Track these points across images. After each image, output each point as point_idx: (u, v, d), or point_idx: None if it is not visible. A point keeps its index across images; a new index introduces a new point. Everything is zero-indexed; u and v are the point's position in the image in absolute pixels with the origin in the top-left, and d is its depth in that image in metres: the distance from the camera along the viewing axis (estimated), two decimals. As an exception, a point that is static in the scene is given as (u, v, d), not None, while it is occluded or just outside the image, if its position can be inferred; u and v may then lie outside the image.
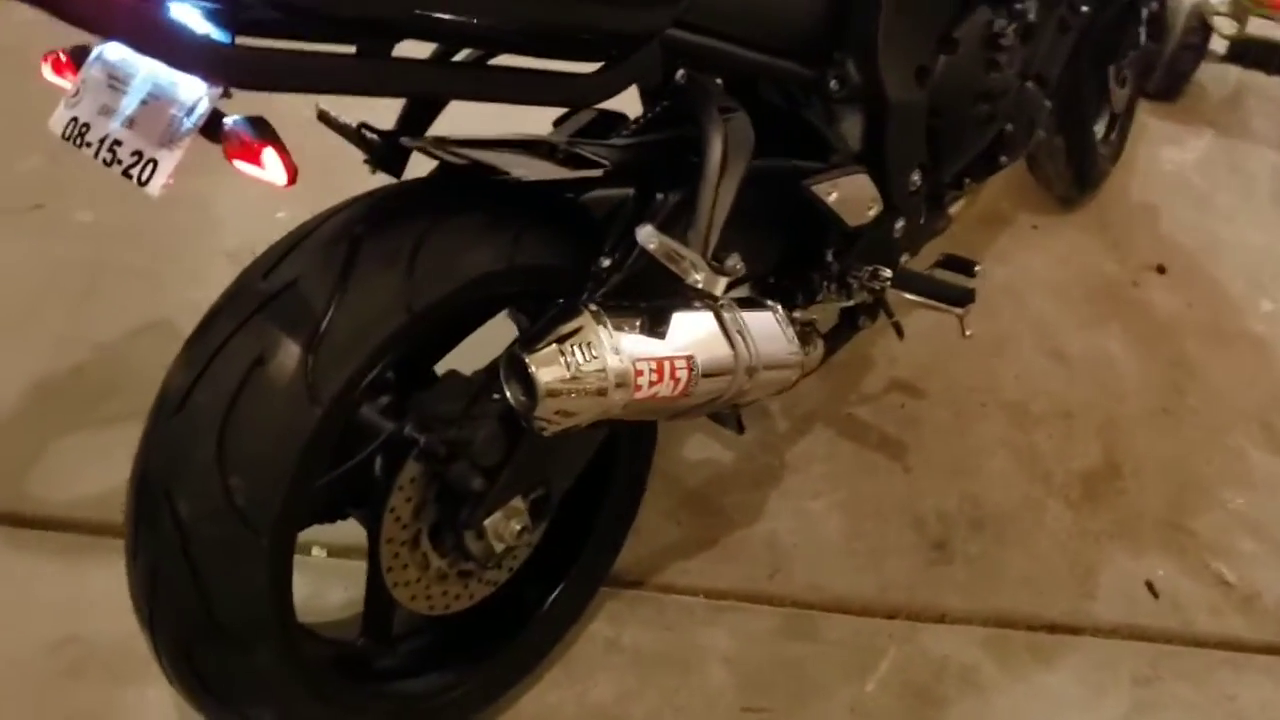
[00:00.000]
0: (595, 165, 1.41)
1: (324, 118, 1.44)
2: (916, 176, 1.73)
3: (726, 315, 1.39)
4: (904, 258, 1.80)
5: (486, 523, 1.40)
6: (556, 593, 1.64)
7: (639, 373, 1.24)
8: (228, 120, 1.03)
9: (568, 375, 1.20)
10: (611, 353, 1.22)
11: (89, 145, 1.09)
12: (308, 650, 1.39)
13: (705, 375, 1.34)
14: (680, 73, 1.38)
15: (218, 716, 1.32)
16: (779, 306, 1.50)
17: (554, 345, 1.21)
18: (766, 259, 1.63)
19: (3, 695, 1.58)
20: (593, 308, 1.24)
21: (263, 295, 1.23)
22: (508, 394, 1.23)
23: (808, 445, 2.10)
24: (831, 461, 2.08)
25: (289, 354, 1.20)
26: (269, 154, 1.01)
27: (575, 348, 1.21)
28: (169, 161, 1.02)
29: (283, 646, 1.28)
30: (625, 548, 1.80)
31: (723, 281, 1.32)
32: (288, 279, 1.24)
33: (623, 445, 1.61)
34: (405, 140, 1.41)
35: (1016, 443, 2.18)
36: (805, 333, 1.62)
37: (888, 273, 1.70)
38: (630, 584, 1.84)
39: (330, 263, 1.24)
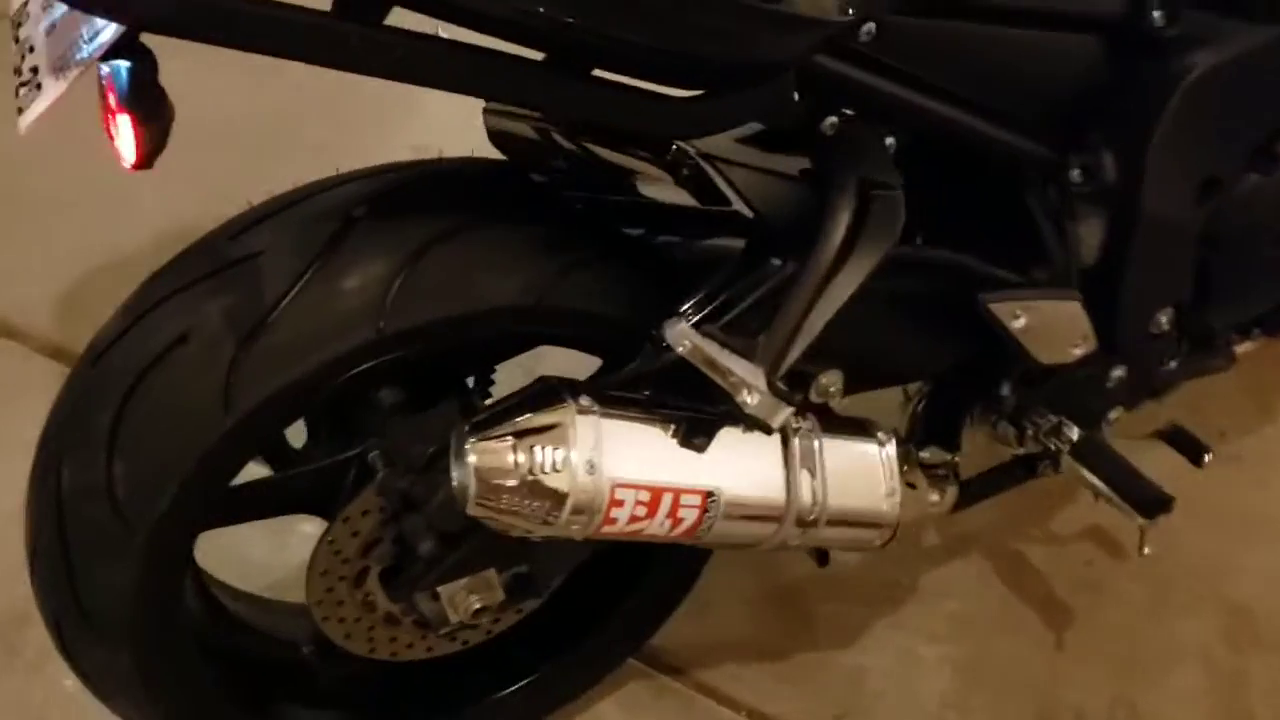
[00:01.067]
0: (723, 200, 1.09)
1: None
2: (1165, 318, 1.29)
3: (797, 443, 1.05)
4: (1114, 412, 1.37)
5: (441, 589, 1.14)
6: (546, 669, 1.38)
7: (615, 502, 0.94)
8: (103, 66, 0.77)
9: (512, 482, 0.92)
10: (583, 468, 0.92)
11: (16, 40, 0.88)
12: (222, 649, 1.21)
13: (730, 518, 1.01)
14: (830, 120, 1.02)
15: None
16: (891, 441, 1.14)
17: (510, 438, 0.92)
18: (892, 376, 1.26)
19: None
20: (583, 402, 0.94)
21: (218, 260, 1.01)
22: (451, 471, 0.96)
23: (948, 573, 1.71)
24: (969, 602, 1.69)
25: (216, 343, 0.98)
26: (123, 122, 0.76)
27: (538, 448, 0.92)
28: (50, 93, 0.79)
29: (157, 650, 1.09)
30: (680, 623, 1.52)
31: (784, 412, 0.98)
32: (252, 249, 1.01)
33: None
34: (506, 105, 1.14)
35: (1221, 660, 1.70)
36: (934, 477, 1.24)
37: (1075, 433, 1.28)
38: (667, 668, 1.55)
39: (307, 244, 1.00)
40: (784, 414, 0.98)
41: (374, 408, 1.17)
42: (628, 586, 1.37)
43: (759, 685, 1.56)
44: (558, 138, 1.13)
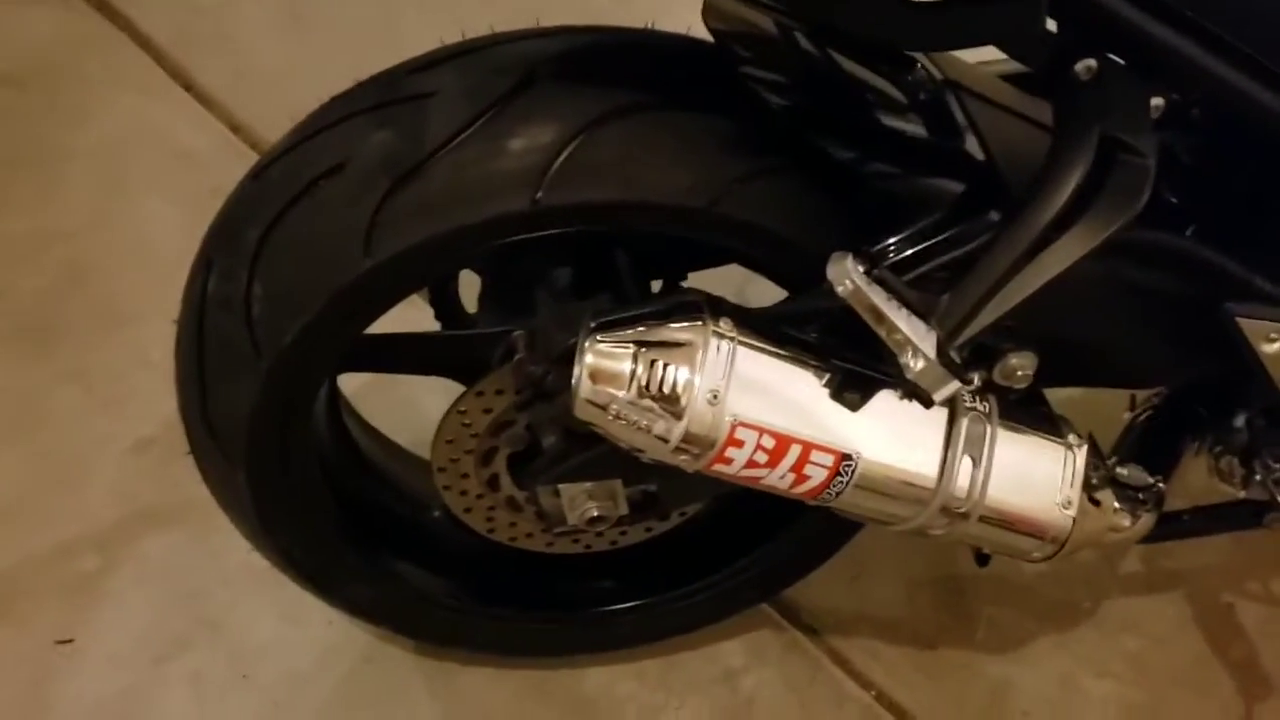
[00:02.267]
0: (956, 133, 0.96)
1: None
2: None
3: (965, 425, 0.92)
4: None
5: (563, 488, 1.08)
6: (669, 594, 1.30)
7: (734, 441, 0.84)
8: None
9: (623, 393, 0.83)
10: (704, 396, 0.83)
11: None
12: (352, 490, 1.20)
13: (864, 488, 0.90)
14: (1086, 63, 0.86)
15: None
16: (1082, 447, 0.99)
17: (633, 345, 0.84)
18: (1100, 376, 1.09)
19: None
20: (723, 325, 0.84)
21: (390, 93, 0.96)
22: (574, 366, 0.89)
23: (1140, 608, 1.53)
24: (1156, 645, 1.50)
25: (369, 179, 0.93)
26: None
27: (659, 363, 0.83)
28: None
29: (273, 476, 1.08)
30: (830, 584, 1.43)
31: (949, 386, 0.85)
32: (426, 88, 0.95)
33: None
34: None
35: None
36: (1128, 499, 1.08)
37: (1314, 489, 1.08)
38: (804, 626, 1.46)
39: (481, 93, 0.93)
40: (949, 388, 0.85)
41: (542, 285, 1.12)
42: (769, 530, 1.28)
43: (896, 669, 1.44)
44: (800, 38, 1.01)
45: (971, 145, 0.96)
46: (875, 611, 1.49)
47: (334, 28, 2.00)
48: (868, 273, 0.83)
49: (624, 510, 1.10)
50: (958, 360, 0.84)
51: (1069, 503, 0.98)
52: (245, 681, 1.38)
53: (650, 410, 0.83)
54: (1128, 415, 1.23)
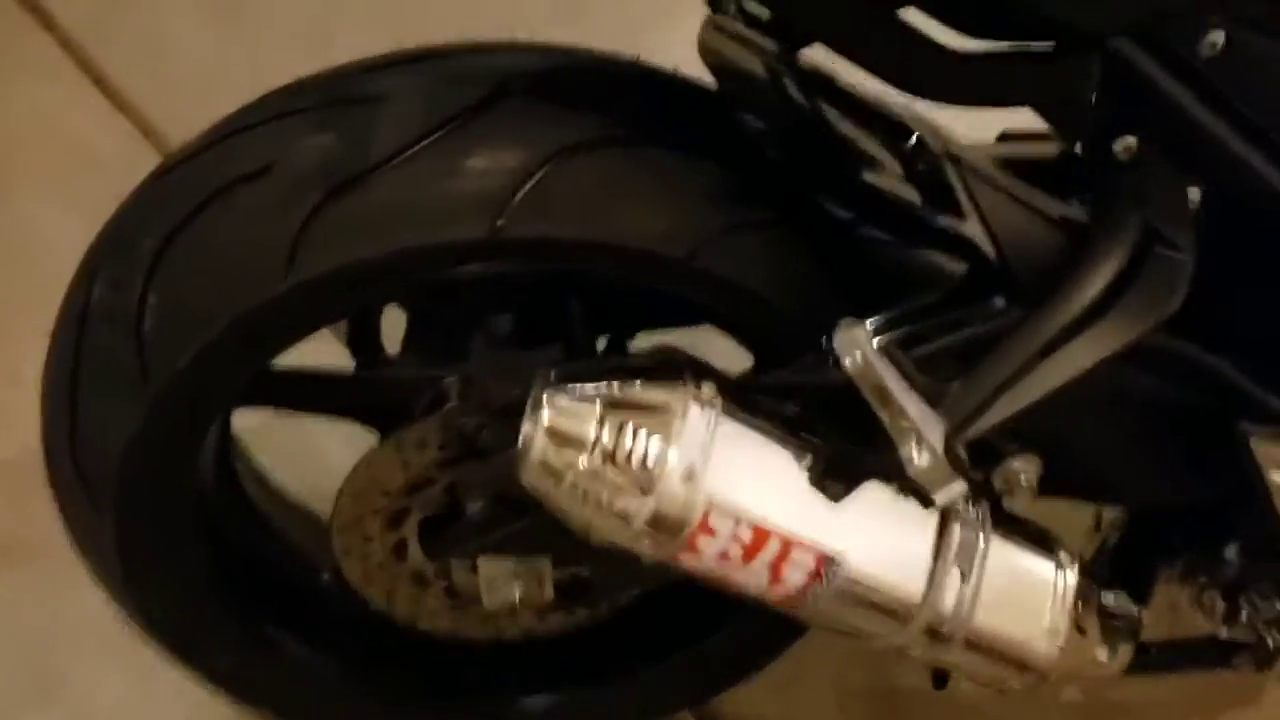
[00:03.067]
0: (956, 210, 0.86)
1: None
2: None
3: (957, 532, 0.81)
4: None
5: (481, 564, 0.95)
6: (580, 692, 1.16)
7: (706, 529, 0.72)
8: None
9: (584, 460, 0.71)
10: (679, 472, 0.70)
11: None
12: (232, 543, 1.04)
13: (844, 597, 0.78)
14: (1127, 141, 0.77)
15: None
16: (1073, 567, 0.89)
17: (599, 403, 0.71)
18: (1093, 488, 0.99)
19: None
20: (704, 390, 0.72)
21: (334, 94, 0.83)
22: (523, 422, 0.76)
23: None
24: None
25: (301, 184, 0.79)
26: None
27: (630, 427, 0.71)
28: None
29: (144, 524, 0.93)
30: (756, 689, 1.29)
31: (955, 487, 0.74)
32: (378, 91, 0.82)
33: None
34: (738, 28, 0.92)
35: None
36: (1111, 629, 0.98)
37: (1307, 634, 1.00)
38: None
39: (442, 102, 0.81)
40: (954, 489, 0.74)
41: (479, 330, 0.99)
42: (701, 630, 1.15)
43: (815, 793, 1.32)
44: (789, 84, 0.91)
45: (970, 226, 0.87)
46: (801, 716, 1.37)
47: (265, 30, 1.86)
48: (878, 345, 0.72)
49: (549, 596, 0.97)
50: (963, 457, 0.74)
51: (1057, 630, 0.87)
52: (82, 751, 1.21)
53: (614, 483, 0.71)
54: (1093, 539, 1.14)
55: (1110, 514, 1.13)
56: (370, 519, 0.98)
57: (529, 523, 0.90)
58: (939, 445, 0.72)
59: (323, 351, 1.08)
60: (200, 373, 0.84)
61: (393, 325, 1.09)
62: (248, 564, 1.08)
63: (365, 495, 0.96)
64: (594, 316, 1.01)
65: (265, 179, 0.80)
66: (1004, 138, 1.09)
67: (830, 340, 0.79)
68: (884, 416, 0.72)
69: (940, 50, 0.72)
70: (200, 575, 1.00)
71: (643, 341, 1.09)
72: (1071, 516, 1.19)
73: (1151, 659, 1.10)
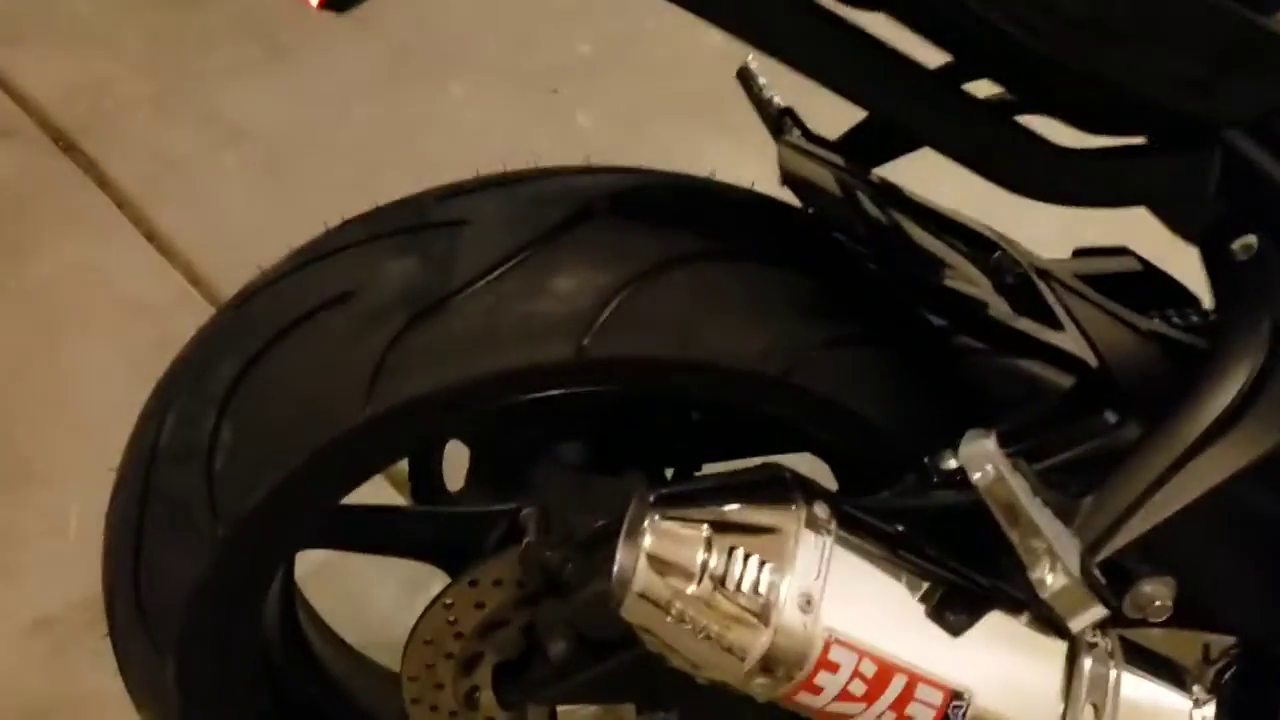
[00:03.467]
0: (1055, 322, 0.83)
1: (744, 75, 0.97)
2: None
3: (1088, 666, 0.75)
4: None
5: (560, 710, 0.88)
6: None
7: (828, 664, 0.66)
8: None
9: (691, 588, 0.65)
10: (795, 600, 0.65)
11: None
12: (293, 696, 0.99)
13: (972, 735, 0.72)
14: (1247, 240, 0.74)
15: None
16: (1210, 705, 0.82)
17: (706, 526, 0.66)
18: (1217, 617, 0.93)
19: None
20: (818, 512, 0.67)
21: (413, 219, 0.81)
22: (617, 552, 0.71)
23: None
24: None
25: (381, 311, 0.76)
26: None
27: (740, 553, 0.66)
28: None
29: (208, 674, 0.87)
30: None
31: (1093, 612, 0.69)
32: (457, 215, 0.80)
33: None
34: (809, 145, 0.91)
35: None
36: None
37: None
38: None
39: (524, 224, 0.78)
40: (1090, 614, 0.68)
41: (546, 461, 0.95)
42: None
43: None
44: (863, 199, 0.89)
45: (1068, 339, 0.83)
46: None
47: (312, 186, 1.87)
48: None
49: (631, 743, 0.90)
50: (1100, 579, 0.68)
51: (1193, 779, 0.80)
52: None
53: (726, 613, 0.65)
54: (1203, 674, 1.06)
55: (1221, 644, 1.06)
56: (442, 664, 0.92)
57: (614, 665, 0.84)
58: (1075, 566, 0.66)
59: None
60: (272, 512, 0.79)
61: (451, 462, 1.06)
62: (310, 714, 1.02)
63: (439, 638, 0.90)
64: (660, 448, 0.98)
65: (345, 306, 0.77)
66: (1079, 253, 1.07)
67: (939, 462, 0.75)
68: (1013, 536, 0.67)
69: (1052, 148, 0.69)
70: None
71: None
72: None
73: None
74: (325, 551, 1.27)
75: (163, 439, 0.81)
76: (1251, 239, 0.74)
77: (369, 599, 1.33)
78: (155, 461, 0.81)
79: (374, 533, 0.94)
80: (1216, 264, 0.74)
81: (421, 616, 0.90)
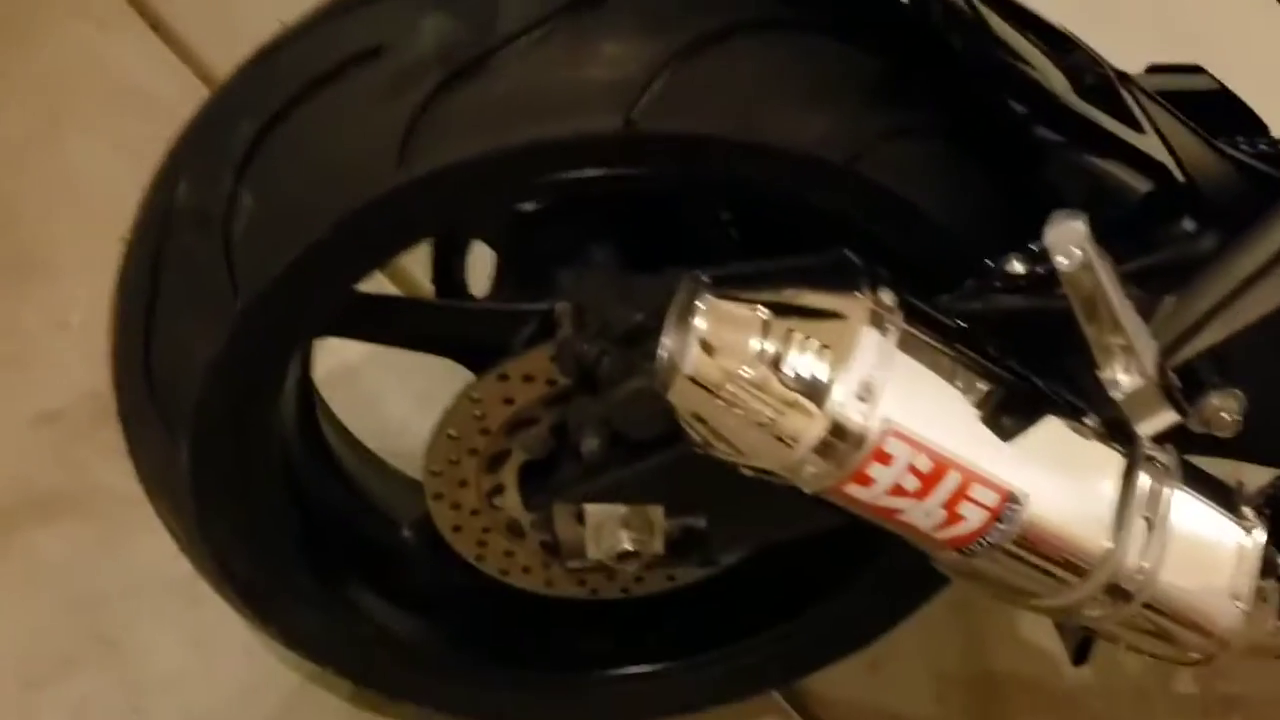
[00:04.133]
0: (1136, 125, 0.77)
1: None
2: None
3: (1145, 480, 0.72)
4: None
5: (589, 510, 0.86)
6: (673, 665, 1.07)
7: (881, 455, 0.63)
8: None
9: (746, 370, 0.61)
10: (854, 388, 0.61)
11: None
12: (309, 496, 0.96)
13: (1022, 543, 0.69)
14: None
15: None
16: (1260, 529, 0.79)
17: (764, 309, 0.62)
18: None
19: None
20: (884, 298, 0.63)
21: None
22: (664, 335, 0.66)
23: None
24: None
25: (416, 68, 0.71)
26: None
27: (799, 337, 0.62)
28: None
29: (224, 461, 0.84)
30: (846, 672, 1.20)
31: (1164, 417, 0.65)
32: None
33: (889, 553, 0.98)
34: None
35: None
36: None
37: None
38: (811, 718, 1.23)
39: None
40: (1162, 419, 0.65)
41: (576, 263, 0.90)
42: (796, 605, 1.05)
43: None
44: None
45: (1149, 143, 0.78)
46: (896, 708, 1.27)
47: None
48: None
49: (659, 548, 0.88)
50: (1177, 383, 0.64)
51: (1239, 594, 0.78)
52: (136, 717, 1.12)
53: (781, 397, 0.61)
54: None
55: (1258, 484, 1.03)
56: (467, 461, 0.89)
57: (649, 466, 0.81)
58: (1151, 366, 0.62)
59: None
60: (294, 286, 0.75)
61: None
62: (328, 517, 0.99)
63: (465, 433, 0.87)
64: (695, 252, 0.93)
65: (376, 62, 0.71)
66: (1153, 69, 1.00)
67: (1009, 262, 0.70)
68: (1090, 331, 0.62)
69: None
70: (280, 523, 0.92)
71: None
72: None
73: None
74: (338, 357, 1.25)
75: (177, 202, 0.76)
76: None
77: (383, 408, 1.31)
78: (169, 226, 0.77)
79: (397, 323, 0.90)
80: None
81: (448, 411, 0.87)
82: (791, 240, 0.88)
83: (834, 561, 1.03)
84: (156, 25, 1.67)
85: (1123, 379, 0.63)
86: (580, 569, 0.92)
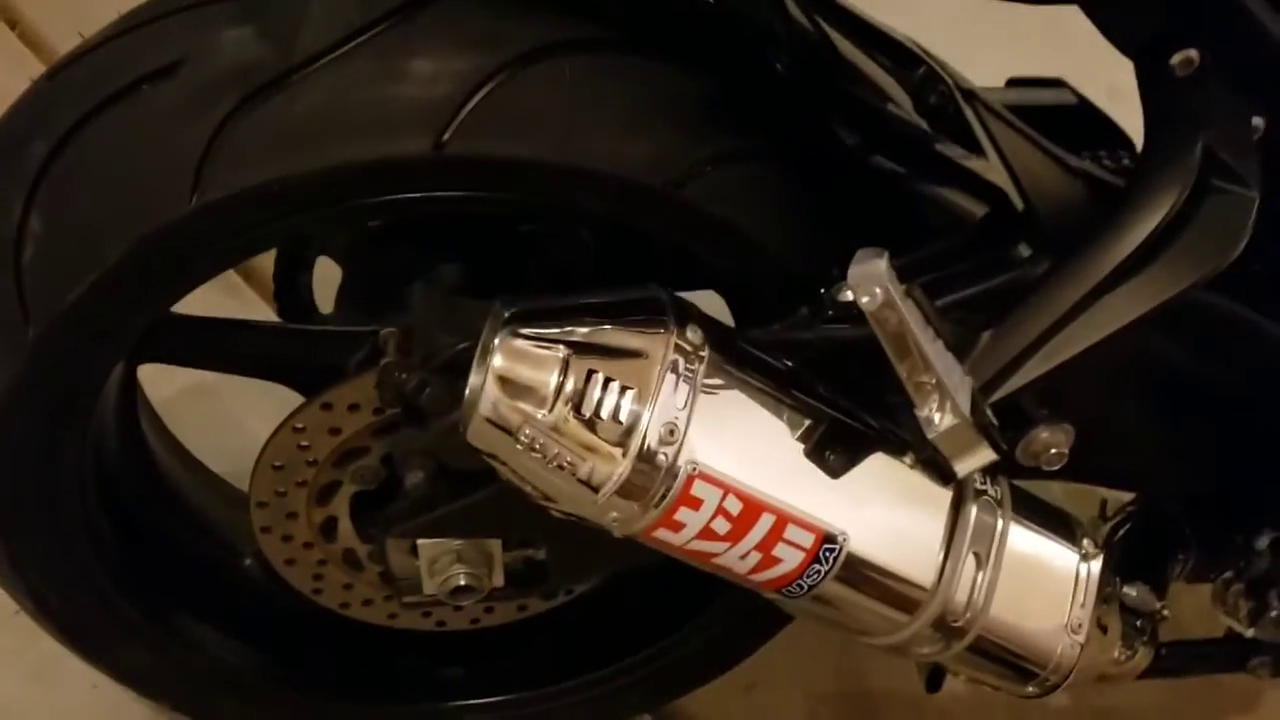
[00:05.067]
0: (976, 147, 0.76)
1: None
2: None
3: (973, 512, 0.70)
4: None
5: (421, 544, 0.82)
6: (530, 693, 1.04)
7: (689, 499, 0.60)
8: None
9: (542, 413, 0.59)
10: (657, 430, 0.59)
11: None
12: (138, 522, 0.92)
13: (845, 582, 0.67)
14: (1187, 54, 0.67)
15: None
16: (1097, 558, 0.78)
17: (564, 347, 0.59)
18: (1114, 470, 0.89)
19: None
20: (690, 336, 0.61)
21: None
22: (472, 370, 0.64)
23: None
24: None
25: (213, 86, 0.67)
26: None
27: (599, 377, 0.59)
28: None
29: (11, 490, 0.80)
30: (719, 690, 1.18)
31: (981, 455, 0.63)
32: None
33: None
34: None
35: None
36: (1132, 627, 0.87)
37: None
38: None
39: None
40: (978, 458, 0.63)
41: (422, 282, 0.87)
42: (661, 628, 1.03)
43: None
44: (789, 3, 0.80)
45: (988, 166, 0.76)
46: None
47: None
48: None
49: (499, 581, 0.85)
50: (993, 420, 0.63)
51: (1079, 626, 0.77)
52: (-31, 755, 1.07)
53: (579, 441, 0.59)
54: (1098, 529, 1.03)
55: (1119, 500, 1.03)
56: (295, 493, 0.85)
57: (477, 499, 0.78)
58: (965, 405, 0.61)
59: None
60: (90, 313, 0.71)
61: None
62: (158, 545, 0.95)
63: (290, 464, 0.83)
64: (551, 272, 0.90)
65: (172, 79, 0.67)
66: (1012, 83, 0.99)
67: (834, 290, 0.68)
68: (901, 369, 0.60)
69: None
70: (99, 554, 0.87)
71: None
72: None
73: (1164, 661, 1.00)
74: (197, 374, 1.20)
75: None
76: (1193, 53, 0.67)
77: (241, 425, 1.26)
78: None
79: (216, 348, 0.86)
80: (1152, 81, 0.67)
81: (271, 439, 0.83)
82: (648, 263, 0.86)
83: (692, 585, 1.00)
84: (14, 23, 1.60)
85: (936, 418, 0.61)
86: (420, 604, 0.89)
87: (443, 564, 0.83)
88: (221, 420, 1.24)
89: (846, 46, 0.78)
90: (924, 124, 0.79)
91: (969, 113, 0.76)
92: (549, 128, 0.69)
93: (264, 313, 1.19)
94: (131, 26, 0.70)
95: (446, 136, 0.66)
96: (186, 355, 0.87)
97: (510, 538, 0.82)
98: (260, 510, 0.86)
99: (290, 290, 0.98)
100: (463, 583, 0.82)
